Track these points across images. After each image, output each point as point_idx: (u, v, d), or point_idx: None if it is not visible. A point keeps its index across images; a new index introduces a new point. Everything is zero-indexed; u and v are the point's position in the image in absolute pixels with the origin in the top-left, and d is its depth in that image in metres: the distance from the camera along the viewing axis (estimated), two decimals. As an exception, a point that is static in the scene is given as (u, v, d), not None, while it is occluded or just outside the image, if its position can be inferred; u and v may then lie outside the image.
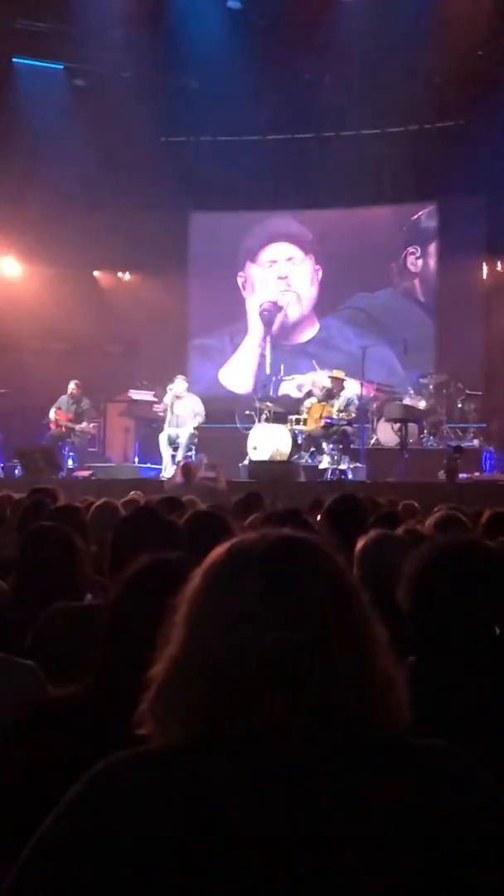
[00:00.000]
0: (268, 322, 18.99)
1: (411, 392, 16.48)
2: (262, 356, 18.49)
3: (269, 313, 18.99)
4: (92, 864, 1.29)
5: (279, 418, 15.81)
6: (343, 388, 15.05)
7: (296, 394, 17.44)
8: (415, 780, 1.34)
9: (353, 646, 1.36)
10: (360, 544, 3.75)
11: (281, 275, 19.46)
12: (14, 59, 17.42)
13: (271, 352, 18.19)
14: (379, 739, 1.36)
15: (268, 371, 17.87)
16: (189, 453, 14.92)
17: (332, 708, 1.33)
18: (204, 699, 1.34)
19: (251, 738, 1.31)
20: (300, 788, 1.30)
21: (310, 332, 19.42)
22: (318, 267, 19.26)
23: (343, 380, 15.16)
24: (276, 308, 19.12)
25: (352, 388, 15.35)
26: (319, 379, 15.86)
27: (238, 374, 19.36)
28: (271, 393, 17.15)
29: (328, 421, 14.63)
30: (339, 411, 14.69)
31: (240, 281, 19.67)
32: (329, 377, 15.29)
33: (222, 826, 1.28)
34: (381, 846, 1.28)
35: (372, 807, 1.30)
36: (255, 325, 19.45)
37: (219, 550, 1.44)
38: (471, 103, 16.66)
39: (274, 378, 17.62)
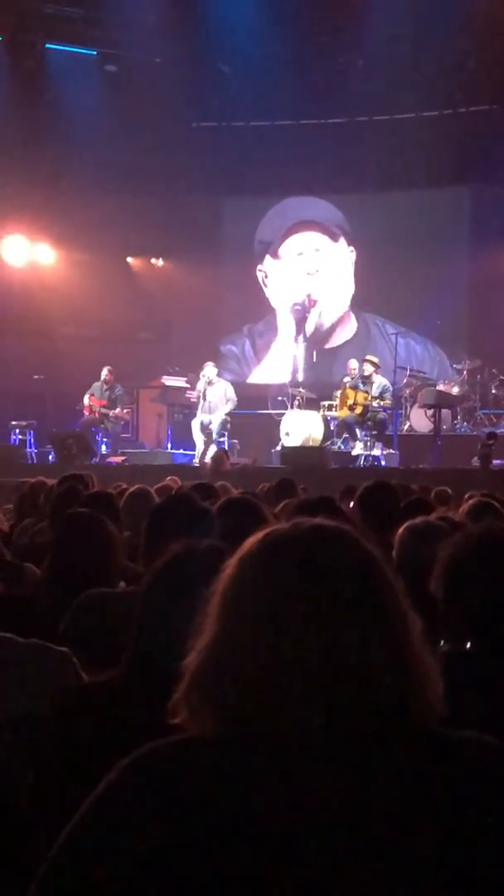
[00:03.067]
0: (300, 320, 18.14)
1: (451, 376, 16.43)
2: (295, 359, 17.94)
3: (303, 309, 18.22)
4: (128, 851, 1.30)
5: (311, 404, 15.79)
6: (377, 373, 14.98)
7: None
8: (449, 772, 1.34)
9: (386, 636, 1.36)
10: (400, 531, 3.73)
11: (309, 269, 19.09)
12: (47, 45, 17.44)
13: (304, 355, 17.91)
14: (413, 730, 1.36)
15: (300, 378, 17.48)
16: (222, 439, 14.94)
17: (366, 698, 1.32)
18: (238, 690, 1.34)
19: (285, 728, 1.31)
20: (334, 779, 1.30)
21: (347, 330, 19.17)
22: (352, 256, 19.01)
23: (377, 365, 15.09)
24: (311, 303, 18.30)
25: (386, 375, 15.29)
26: (353, 364, 15.79)
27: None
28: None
29: (366, 408, 14.58)
30: (374, 398, 14.63)
31: (260, 276, 19.42)
32: (364, 361, 15.20)
33: (258, 816, 1.29)
34: (416, 837, 1.28)
35: (407, 798, 1.31)
36: (285, 326, 18.95)
37: (252, 540, 1.44)
38: (504, 87, 16.51)
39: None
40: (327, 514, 2.86)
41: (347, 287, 19.06)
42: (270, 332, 19.40)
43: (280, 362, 18.57)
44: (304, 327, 18.00)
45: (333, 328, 19.07)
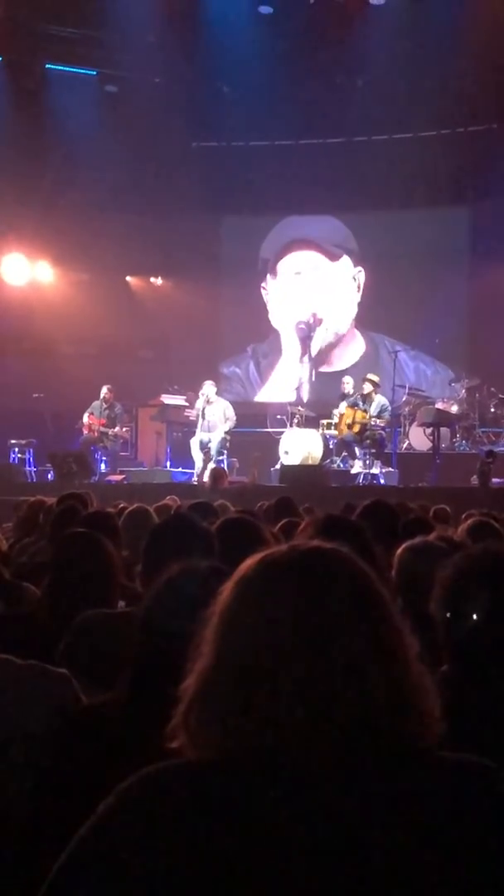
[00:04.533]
0: (305, 339, 17.95)
1: (451, 394, 16.43)
2: (300, 380, 17.63)
3: (307, 328, 18.10)
4: (126, 875, 1.30)
5: (311, 423, 15.79)
6: (377, 392, 14.98)
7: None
8: (446, 795, 1.34)
9: (383, 658, 1.36)
10: (399, 550, 3.72)
11: (312, 288, 19.09)
12: (47, 65, 17.52)
13: (310, 376, 17.70)
14: (410, 752, 1.35)
15: (305, 399, 17.26)
16: (220, 458, 14.93)
17: (362, 721, 1.32)
18: (236, 713, 1.34)
19: (283, 751, 1.31)
20: (332, 802, 1.30)
21: (355, 351, 19.15)
22: (360, 276, 19.01)
23: (377, 384, 15.09)
24: (316, 322, 18.25)
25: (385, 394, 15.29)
26: (347, 380, 15.77)
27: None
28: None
29: (363, 427, 14.58)
30: (373, 417, 14.63)
31: (264, 295, 19.43)
32: (365, 380, 15.19)
33: (258, 838, 1.28)
34: (412, 860, 1.28)
35: (403, 821, 1.30)
36: (289, 346, 18.81)
37: (249, 563, 1.44)
38: (503, 107, 16.58)
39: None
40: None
41: (352, 306, 19.04)
42: (275, 352, 19.37)
43: (285, 383, 18.46)
44: (310, 347, 17.92)
45: (340, 349, 19.01)
